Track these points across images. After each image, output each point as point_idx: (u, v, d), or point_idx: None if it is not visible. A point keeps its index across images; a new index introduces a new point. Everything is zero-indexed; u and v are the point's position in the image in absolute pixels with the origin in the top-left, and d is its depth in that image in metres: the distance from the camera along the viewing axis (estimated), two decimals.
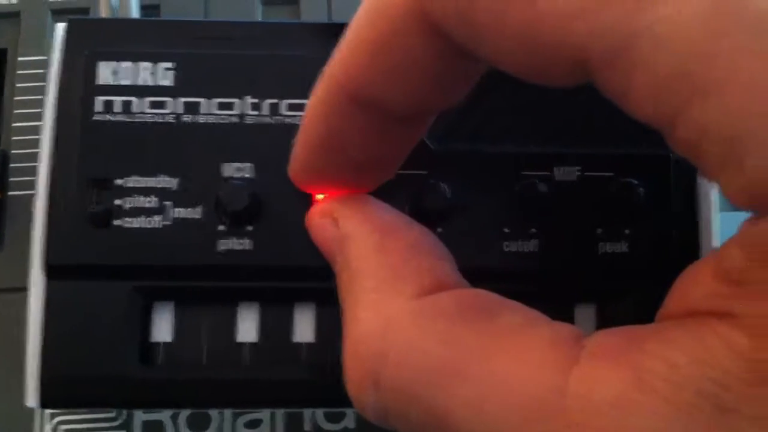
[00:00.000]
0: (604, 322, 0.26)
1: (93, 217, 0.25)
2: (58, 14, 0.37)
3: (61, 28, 0.26)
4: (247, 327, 0.26)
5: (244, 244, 0.25)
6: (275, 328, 0.26)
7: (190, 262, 0.25)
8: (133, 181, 0.25)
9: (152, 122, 0.25)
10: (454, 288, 0.19)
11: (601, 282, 0.26)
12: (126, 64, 0.26)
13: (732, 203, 0.15)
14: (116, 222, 0.25)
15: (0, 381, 0.32)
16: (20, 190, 0.34)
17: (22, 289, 0.26)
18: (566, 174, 0.26)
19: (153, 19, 0.36)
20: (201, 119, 0.25)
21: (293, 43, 0.26)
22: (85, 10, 0.37)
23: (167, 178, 0.25)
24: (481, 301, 0.19)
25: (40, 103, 0.26)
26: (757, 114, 0.13)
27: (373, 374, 0.18)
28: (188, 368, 0.25)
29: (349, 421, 0.32)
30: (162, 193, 0.25)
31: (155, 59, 0.26)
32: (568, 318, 0.26)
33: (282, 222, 0.25)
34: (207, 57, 0.26)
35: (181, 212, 0.25)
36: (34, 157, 0.26)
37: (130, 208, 0.25)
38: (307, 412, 0.32)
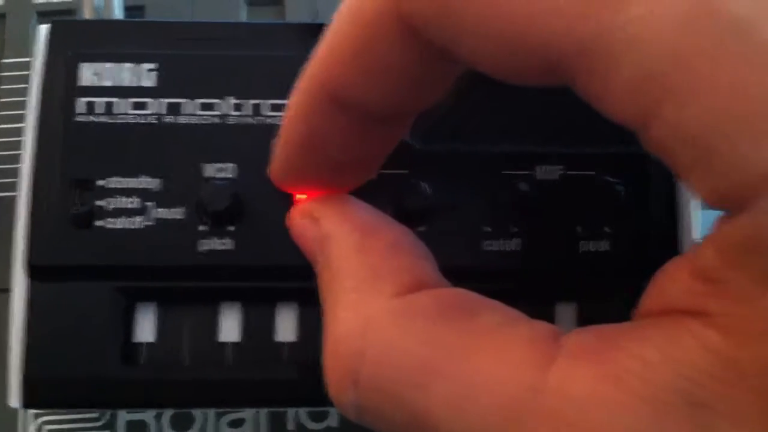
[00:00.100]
0: (585, 320, 0.26)
1: (75, 218, 0.25)
2: (44, 16, 0.38)
3: (44, 29, 0.26)
4: (230, 327, 0.26)
5: (226, 244, 0.25)
6: (257, 327, 0.26)
7: (172, 263, 0.25)
8: (115, 182, 0.25)
9: (134, 123, 0.25)
10: (434, 287, 0.19)
11: (581, 280, 0.26)
12: (108, 65, 0.26)
13: (703, 202, 0.15)
14: (98, 223, 0.25)
15: None
16: (3, 192, 0.34)
17: (5, 290, 0.26)
18: (548, 173, 0.26)
19: (136, 20, 0.36)
20: (183, 120, 0.25)
21: (276, 44, 0.26)
22: (71, 13, 0.37)
23: (149, 179, 0.25)
24: (461, 301, 0.19)
25: (24, 105, 0.26)
26: (727, 115, 0.14)
27: (352, 373, 0.18)
28: (171, 368, 0.25)
29: (333, 420, 0.32)
30: (144, 194, 0.25)
31: (137, 60, 0.26)
32: (548, 317, 0.26)
33: (263, 222, 0.25)
34: (189, 58, 0.26)
35: (162, 213, 0.25)
36: (16, 158, 0.26)
37: (113, 208, 0.25)
38: (290, 412, 0.32)
